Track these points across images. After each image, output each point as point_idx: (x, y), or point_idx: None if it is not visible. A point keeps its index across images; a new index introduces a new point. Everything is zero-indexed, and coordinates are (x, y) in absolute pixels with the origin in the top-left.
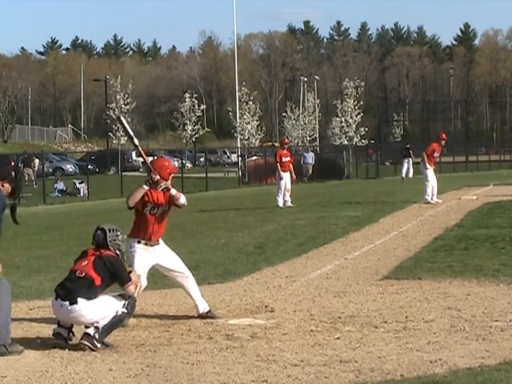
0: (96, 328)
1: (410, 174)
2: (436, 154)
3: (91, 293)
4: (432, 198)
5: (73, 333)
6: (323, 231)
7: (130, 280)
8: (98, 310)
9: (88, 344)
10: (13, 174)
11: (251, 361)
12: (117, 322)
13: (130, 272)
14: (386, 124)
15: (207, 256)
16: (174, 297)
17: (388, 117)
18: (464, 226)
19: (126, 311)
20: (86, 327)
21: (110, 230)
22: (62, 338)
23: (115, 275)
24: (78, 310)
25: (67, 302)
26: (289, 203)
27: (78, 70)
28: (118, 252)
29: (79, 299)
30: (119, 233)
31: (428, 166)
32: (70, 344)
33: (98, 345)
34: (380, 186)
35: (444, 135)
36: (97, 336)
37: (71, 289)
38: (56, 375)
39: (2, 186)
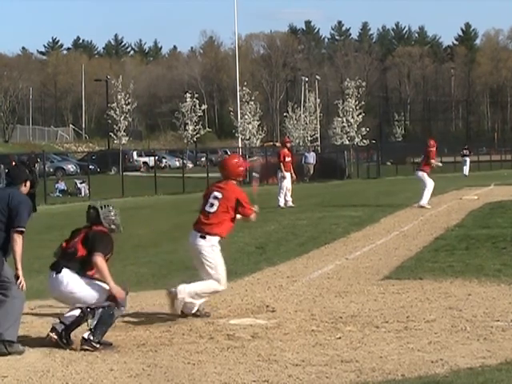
0: (90, 330)
1: (467, 172)
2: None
3: (76, 264)
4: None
5: (69, 335)
6: (324, 231)
7: (102, 253)
8: (82, 286)
9: (88, 348)
10: (27, 171)
11: (252, 361)
12: (107, 319)
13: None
14: (387, 124)
15: None
16: None
17: (389, 117)
18: (465, 226)
19: (113, 305)
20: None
21: (101, 207)
22: (56, 332)
23: (91, 243)
24: (61, 278)
25: (54, 272)
26: (290, 203)
27: (79, 70)
28: (113, 226)
29: (64, 269)
30: (111, 207)
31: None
32: (65, 342)
33: (97, 345)
34: (381, 186)
35: (431, 142)
36: (92, 337)
37: (60, 261)
38: (57, 375)
39: (25, 185)
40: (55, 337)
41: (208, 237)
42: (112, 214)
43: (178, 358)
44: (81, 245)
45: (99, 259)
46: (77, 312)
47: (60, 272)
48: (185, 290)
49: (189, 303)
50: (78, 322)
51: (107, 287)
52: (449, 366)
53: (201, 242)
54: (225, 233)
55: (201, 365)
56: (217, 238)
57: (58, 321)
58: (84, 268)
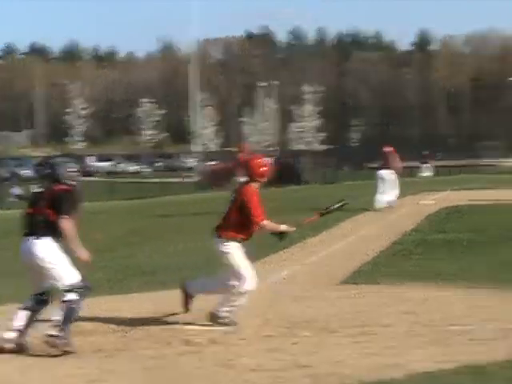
0: (58, 326)
1: (425, 175)
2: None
3: (51, 231)
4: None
5: (25, 340)
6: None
7: (68, 215)
8: (58, 262)
9: (59, 343)
10: None
11: (209, 366)
12: (70, 313)
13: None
14: (345, 129)
15: (165, 261)
16: (130, 302)
17: (347, 122)
18: (422, 231)
19: (75, 298)
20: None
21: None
22: (11, 341)
23: (58, 205)
24: (42, 245)
25: (34, 237)
26: None
27: (34, 75)
28: (74, 183)
29: (45, 236)
30: (71, 164)
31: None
32: (22, 348)
33: (66, 341)
34: (338, 191)
35: (386, 149)
36: (61, 333)
37: (36, 227)
38: (14, 382)
39: None
40: (11, 346)
41: (222, 238)
42: (72, 170)
43: (134, 363)
44: (48, 209)
45: (66, 222)
46: (24, 314)
47: (41, 238)
48: (219, 310)
49: (194, 289)
50: (28, 323)
51: (77, 273)
52: (406, 370)
53: (217, 242)
54: (234, 235)
55: (157, 370)
56: (229, 241)
57: (10, 333)
58: (56, 230)
